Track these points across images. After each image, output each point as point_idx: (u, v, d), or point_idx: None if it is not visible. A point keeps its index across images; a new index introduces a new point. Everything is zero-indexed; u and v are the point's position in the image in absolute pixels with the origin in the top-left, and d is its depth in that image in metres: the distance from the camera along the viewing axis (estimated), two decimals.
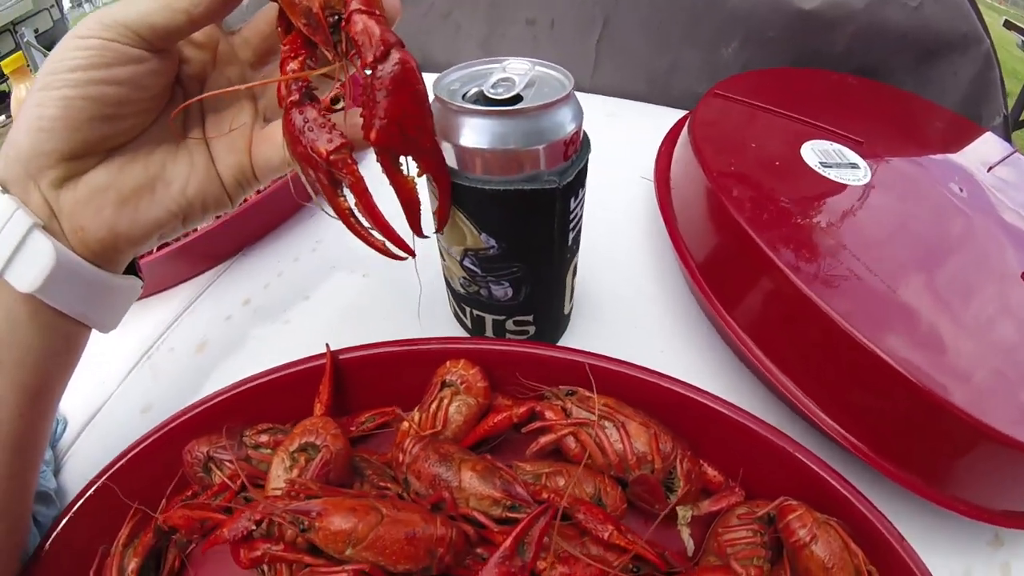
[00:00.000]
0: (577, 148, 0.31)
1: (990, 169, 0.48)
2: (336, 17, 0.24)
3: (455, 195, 0.31)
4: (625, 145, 0.58)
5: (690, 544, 0.30)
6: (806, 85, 0.59)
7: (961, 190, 0.44)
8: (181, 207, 0.30)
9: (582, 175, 0.32)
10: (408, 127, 0.24)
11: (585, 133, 0.32)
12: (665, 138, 0.53)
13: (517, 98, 0.29)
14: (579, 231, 0.36)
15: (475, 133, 0.28)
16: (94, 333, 0.55)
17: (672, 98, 0.71)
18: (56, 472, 0.44)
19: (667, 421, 0.33)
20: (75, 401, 0.48)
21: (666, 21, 0.69)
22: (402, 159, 0.26)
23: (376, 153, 0.25)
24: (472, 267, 0.34)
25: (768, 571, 0.29)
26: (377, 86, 0.23)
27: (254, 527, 0.28)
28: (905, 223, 0.41)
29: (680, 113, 0.59)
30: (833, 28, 0.63)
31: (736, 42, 0.67)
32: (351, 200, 0.27)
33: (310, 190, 0.27)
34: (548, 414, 0.33)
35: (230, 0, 0.27)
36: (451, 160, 0.30)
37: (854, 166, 0.44)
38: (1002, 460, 0.30)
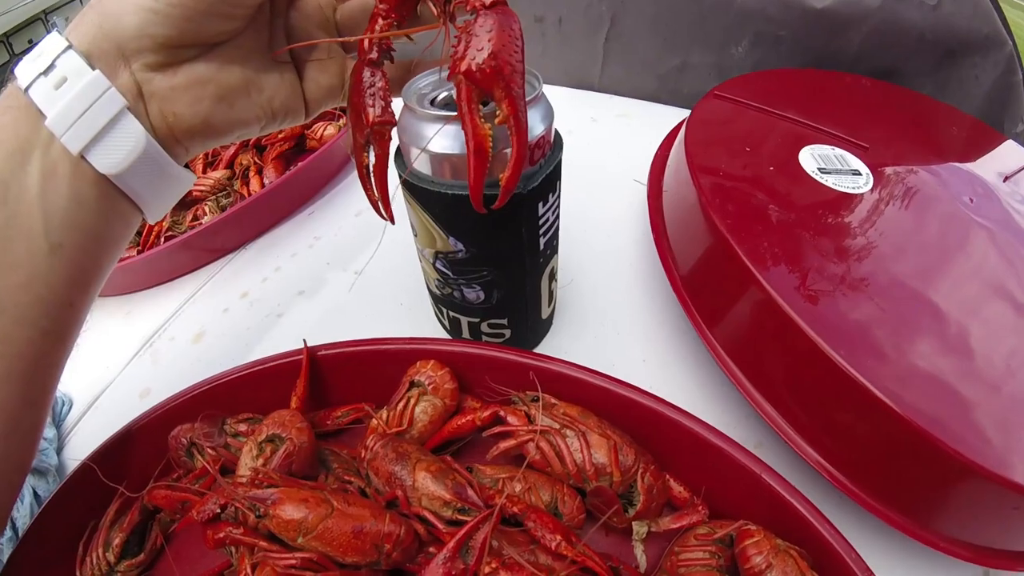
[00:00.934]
0: (545, 152, 0.31)
1: (1007, 179, 0.46)
2: None
3: (423, 198, 0.31)
4: (629, 146, 0.58)
5: (643, 560, 0.30)
6: (815, 87, 0.57)
7: (971, 201, 0.43)
8: (266, 114, 0.31)
9: (552, 178, 0.32)
10: (503, 64, 0.23)
11: (558, 133, 0.32)
12: (663, 141, 0.53)
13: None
14: (555, 235, 0.36)
15: (441, 138, 0.29)
16: (99, 322, 0.59)
17: (682, 98, 0.71)
18: (59, 450, 0.47)
19: (635, 434, 0.33)
20: (80, 383, 0.51)
21: (674, 20, 0.68)
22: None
23: (460, 90, 0.24)
24: (444, 270, 0.35)
25: None
26: (480, 23, 0.23)
27: (219, 511, 0.29)
28: (906, 236, 0.39)
29: (688, 114, 0.58)
30: (847, 27, 0.61)
31: (746, 41, 0.66)
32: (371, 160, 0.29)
33: (348, 135, 0.30)
34: (511, 419, 0.33)
35: None
36: (420, 165, 0.31)
37: (856, 173, 0.43)
38: (989, 498, 0.29)
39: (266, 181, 0.63)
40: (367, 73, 0.27)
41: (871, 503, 0.31)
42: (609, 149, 0.61)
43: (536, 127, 0.30)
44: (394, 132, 0.29)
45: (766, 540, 0.28)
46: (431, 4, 0.26)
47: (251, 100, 0.30)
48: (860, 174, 0.43)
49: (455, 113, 0.29)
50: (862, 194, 0.41)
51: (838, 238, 0.38)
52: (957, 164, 0.48)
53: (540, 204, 0.32)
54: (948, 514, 0.31)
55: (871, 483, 0.32)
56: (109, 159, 0.27)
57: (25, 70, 0.26)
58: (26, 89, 0.26)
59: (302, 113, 0.33)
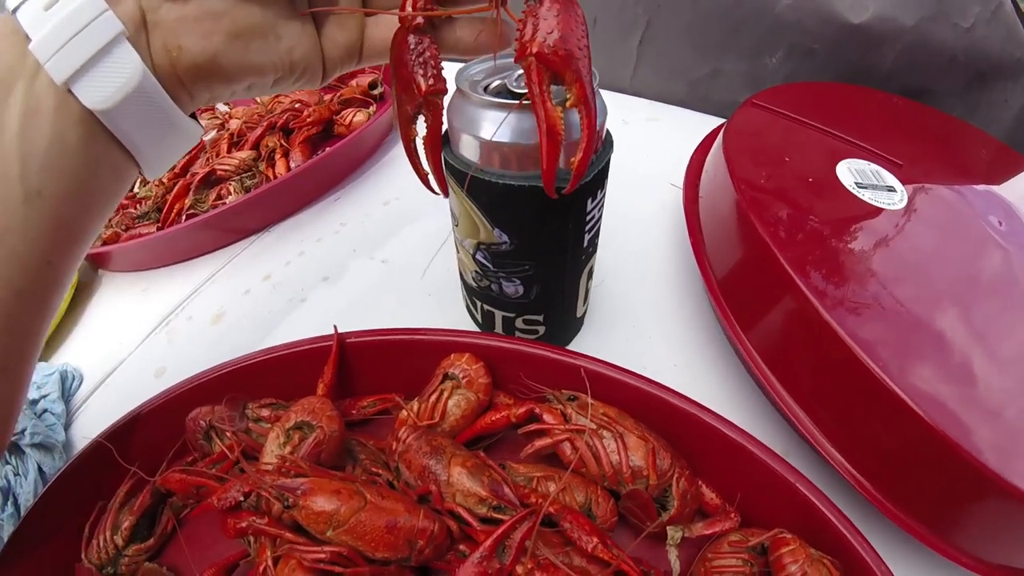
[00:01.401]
0: (598, 148, 0.31)
1: None
2: None
3: (472, 187, 0.31)
4: (660, 149, 0.58)
5: (676, 567, 0.29)
6: (849, 101, 0.57)
7: (1000, 224, 0.42)
8: (283, 65, 0.28)
9: (602, 175, 0.32)
10: (573, 47, 0.23)
11: (608, 132, 0.32)
12: (699, 146, 0.52)
13: None
14: (597, 233, 0.36)
15: (494, 126, 0.28)
16: (113, 297, 0.58)
17: (713, 105, 0.70)
18: (67, 426, 0.46)
19: (669, 436, 0.32)
20: (91, 359, 0.50)
21: (709, 26, 0.67)
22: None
23: (531, 73, 0.24)
24: (484, 262, 0.34)
25: None
26: (547, 6, 0.23)
27: (242, 498, 0.29)
28: (938, 254, 0.39)
29: (719, 121, 0.58)
30: (881, 44, 0.61)
31: (780, 52, 0.65)
32: (419, 132, 0.28)
33: (393, 107, 0.28)
34: (547, 417, 0.32)
35: None
36: (470, 153, 0.30)
37: (891, 189, 0.43)
38: (1015, 514, 0.29)
39: (292, 164, 0.62)
40: (413, 39, 0.26)
41: (899, 515, 0.31)
42: (640, 152, 0.61)
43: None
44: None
45: (801, 549, 0.28)
46: None
47: (268, 45, 0.27)
48: (895, 191, 0.43)
49: (512, 101, 0.28)
50: (897, 210, 0.41)
51: (874, 251, 0.38)
52: (986, 186, 0.47)
53: (589, 200, 0.31)
54: (975, 530, 0.31)
55: (900, 495, 0.31)
56: (98, 92, 0.24)
57: None
58: (14, 10, 0.23)
59: (319, 72, 0.30)
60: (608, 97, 0.74)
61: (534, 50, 0.23)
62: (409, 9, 0.25)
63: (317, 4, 0.29)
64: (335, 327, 0.37)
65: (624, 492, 0.31)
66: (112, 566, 0.34)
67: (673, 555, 0.30)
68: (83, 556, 0.34)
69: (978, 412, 0.30)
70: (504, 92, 0.30)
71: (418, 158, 0.29)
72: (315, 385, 0.37)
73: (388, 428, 0.36)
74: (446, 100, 0.27)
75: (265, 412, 0.37)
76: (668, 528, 0.30)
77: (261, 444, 0.35)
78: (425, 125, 0.27)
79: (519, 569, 0.26)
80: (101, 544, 0.34)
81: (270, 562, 0.29)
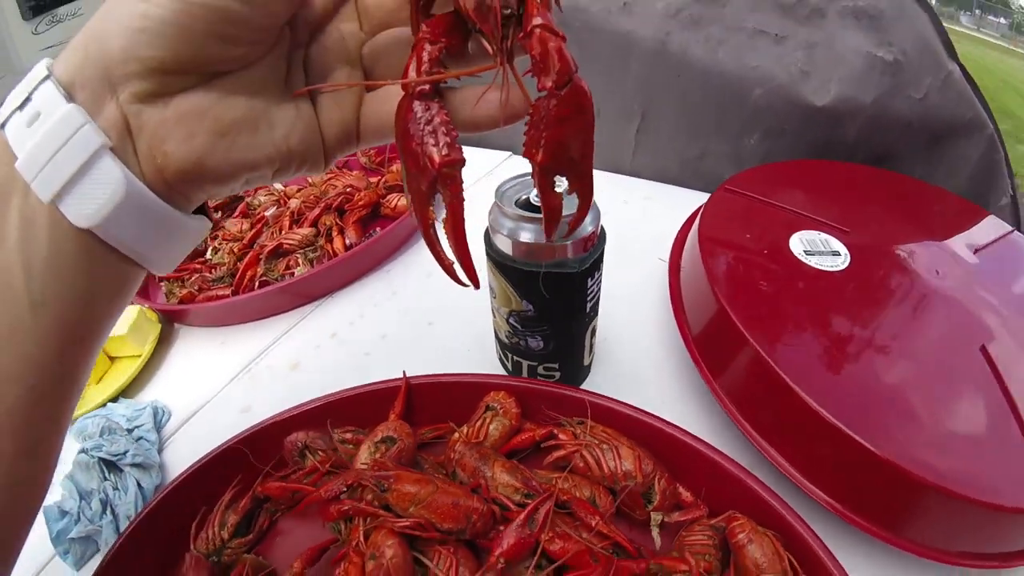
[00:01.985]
0: (594, 242, 0.46)
1: (977, 251, 0.58)
2: (508, 11, 0.25)
3: (506, 272, 0.46)
4: (653, 226, 0.73)
5: (658, 541, 0.43)
6: (812, 177, 0.71)
7: (938, 272, 0.54)
8: (280, 155, 0.28)
9: (598, 262, 0.47)
10: (575, 152, 0.26)
11: (602, 229, 0.47)
12: (682, 226, 0.67)
13: None
14: (597, 302, 0.50)
15: (521, 231, 0.44)
16: (194, 348, 0.73)
17: (703, 181, 0.85)
18: (160, 451, 0.60)
19: (653, 450, 0.46)
20: (179, 400, 0.65)
21: (696, 115, 0.83)
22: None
23: (536, 173, 0.26)
24: (515, 324, 0.49)
25: (716, 565, 0.41)
26: (554, 111, 0.24)
27: (344, 489, 0.43)
28: (873, 304, 0.53)
29: (706, 197, 0.72)
30: (844, 121, 0.74)
31: (758, 134, 0.80)
32: (440, 214, 0.27)
33: (404, 187, 0.28)
34: (562, 436, 0.46)
35: None
36: (504, 247, 0.46)
37: (836, 253, 0.56)
38: (951, 510, 0.40)
39: (347, 241, 0.78)
40: (419, 108, 0.25)
41: (848, 514, 0.43)
42: (638, 228, 0.76)
43: (588, 227, 0.45)
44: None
45: (749, 523, 0.41)
46: (484, 42, 0.26)
47: (258, 137, 0.27)
48: (839, 254, 0.56)
49: (536, 215, 0.44)
50: (839, 271, 0.55)
51: (814, 308, 0.52)
52: (932, 241, 0.60)
53: (589, 280, 0.46)
54: (920, 526, 0.42)
55: (849, 498, 0.43)
56: (83, 209, 0.24)
57: (8, 102, 0.25)
58: (2, 125, 0.25)
59: (321, 159, 0.30)
60: (611, 178, 0.91)
61: (538, 160, 0.25)
62: (413, 75, 0.25)
63: (312, 81, 0.29)
64: (404, 372, 0.52)
65: (618, 488, 0.44)
66: (217, 555, 0.45)
67: (655, 533, 0.43)
68: (192, 546, 0.45)
69: (903, 427, 0.42)
70: (528, 205, 0.46)
71: (439, 245, 0.28)
72: (385, 416, 0.51)
73: (442, 450, 0.50)
74: (467, 174, 0.26)
75: (348, 435, 0.51)
76: (652, 514, 0.43)
77: (345, 460, 0.49)
78: (444, 205, 0.26)
79: (543, 536, 0.40)
80: (209, 537, 0.46)
81: (362, 536, 0.42)
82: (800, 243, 0.58)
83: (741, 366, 0.50)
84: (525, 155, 0.26)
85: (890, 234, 0.62)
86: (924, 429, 0.43)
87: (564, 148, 0.25)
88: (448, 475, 0.46)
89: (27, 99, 0.24)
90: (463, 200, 0.26)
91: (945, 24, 0.72)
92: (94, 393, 0.68)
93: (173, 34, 0.23)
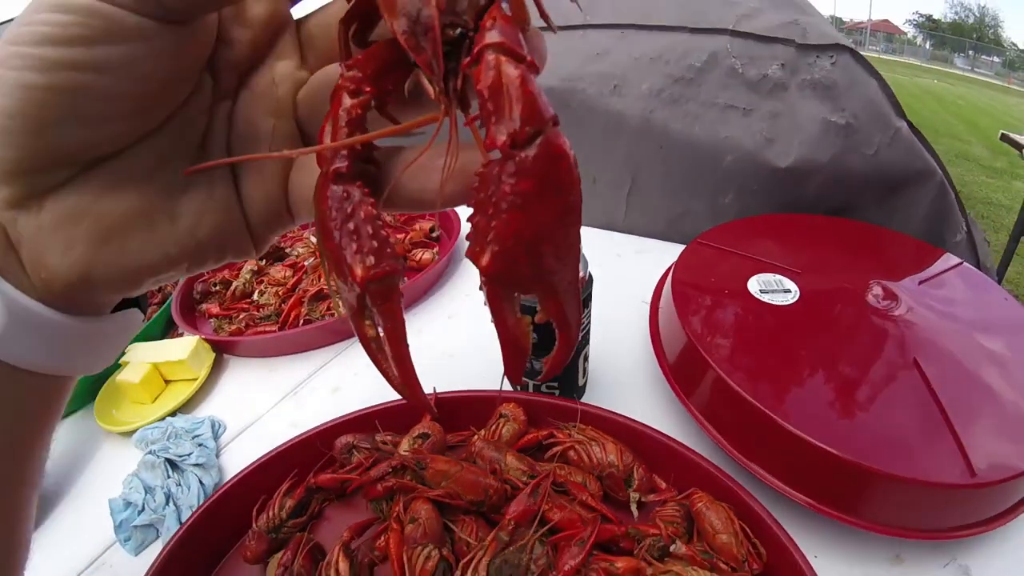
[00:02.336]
0: (584, 284, 0.60)
1: (922, 283, 0.71)
2: (459, 31, 0.19)
3: None
4: (641, 275, 0.88)
5: (636, 513, 0.55)
6: (775, 229, 0.85)
7: (880, 300, 0.67)
8: (187, 252, 0.24)
9: (587, 300, 0.61)
10: (543, 255, 0.18)
11: (590, 274, 0.62)
12: (663, 274, 0.82)
13: None
14: (588, 332, 0.64)
15: None
16: (244, 375, 0.87)
17: (685, 236, 0.95)
18: (217, 455, 0.73)
19: (632, 446, 0.59)
20: (232, 417, 0.78)
21: (677, 179, 0.99)
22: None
23: (484, 283, 0.19)
24: None
25: (682, 531, 0.52)
26: (509, 185, 0.17)
27: (390, 470, 0.56)
28: (818, 330, 0.66)
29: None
30: (805, 179, 0.88)
31: (732, 194, 0.96)
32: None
33: (333, 298, 0.21)
34: (559, 435, 0.60)
35: None
36: None
37: (787, 290, 0.70)
38: (891, 490, 0.51)
39: None
40: (336, 195, 0.20)
41: (793, 492, 0.54)
42: (627, 277, 0.90)
43: (578, 273, 0.59)
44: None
45: (706, 496, 0.53)
46: (425, 82, 0.19)
47: (156, 235, 0.23)
48: (790, 291, 0.70)
49: None
50: (788, 304, 0.69)
51: (765, 336, 0.66)
52: (880, 276, 0.71)
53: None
54: (863, 505, 0.52)
55: (795, 481, 0.55)
56: None
57: None
58: None
59: (248, 244, 0.26)
60: (605, 235, 1.06)
61: (483, 264, 0.18)
62: (327, 141, 0.20)
63: (235, 142, 0.25)
64: (434, 388, 0.66)
65: (604, 475, 0.57)
66: (275, 531, 0.57)
67: (634, 508, 0.56)
68: (255, 524, 0.57)
69: (847, 427, 0.54)
70: None
71: (386, 363, 0.22)
72: (412, 426, 0.64)
73: (465, 452, 0.63)
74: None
75: (388, 438, 0.64)
76: (631, 494, 0.56)
77: (386, 456, 0.62)
78: (381, 325, 0.21)
79: (545, 505, 0.53)
80: (269, 517, 0.57)
81: (402, 507, 0.55)
82: (757, 283, 0.72)
83: (707, 385, 0.63)
84: (467, 255, 0.19)
85: (839, 272, 0.75)
86: (858, 423, 0.55)
87: (527, 248, 0.18)
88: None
89: None
90: (402, 320, 0.21)
91: (939, 67, 0.89)
92: (151, 410, 0.83)
93: (21, 128, 0.20)
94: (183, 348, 0.86)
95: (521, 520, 0.52)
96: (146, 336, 0.95)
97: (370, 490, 0.57)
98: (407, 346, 0.22)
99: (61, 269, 0.22)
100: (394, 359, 0.22)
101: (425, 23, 0.18)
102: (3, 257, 0.22)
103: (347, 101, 0.20)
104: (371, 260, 0.19)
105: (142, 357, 0.87)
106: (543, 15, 0.21)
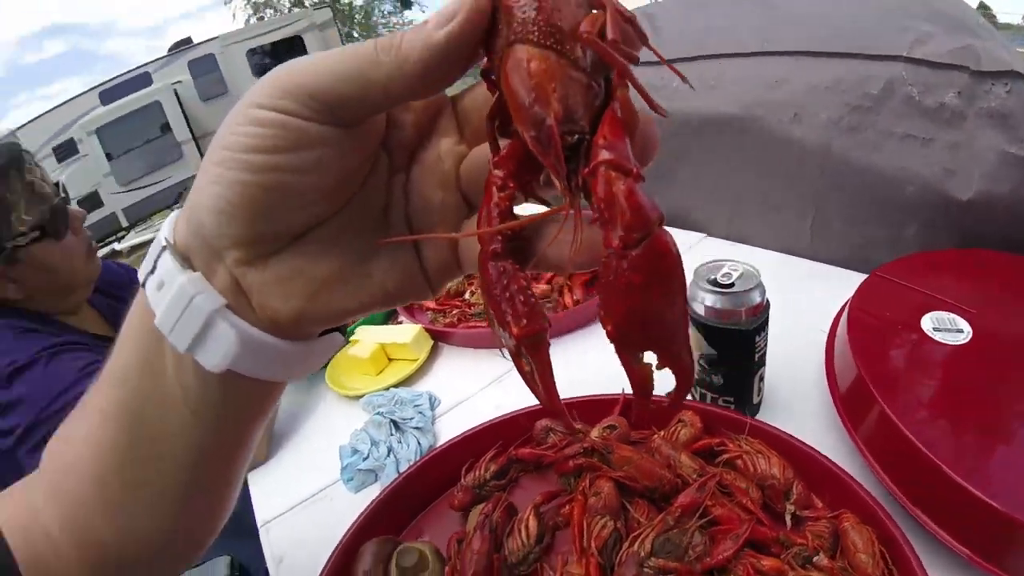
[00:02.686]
0: (762, 309, 0.69)
1: None
2: (576, 137, 0.24)
3: (696, 326, 0.71)
4: (819, 302, 0.92)
5: (789, 524, 0.64)
6: (954, 265, 0.85)
7: None
8: (376, 300, 0.31)
9: (764, 323, 0.70)
10: (657, 326, 0.23)
11: (768, 300, 0.70)
12: (843, 305, 0.86)
13: (732, 284, 0.69)
14: (764, 354, 0.73)
15: (711, 300, 0.69)
16: (453, 362, 1.09)
17: (867, 265, 0.95)
18: (432, 423, 0.92)
19: (795, 464, 0.67)
20: (446, 395, 0.98)
21: (860, 208, 1.00)
22: None
23: (611, 342, 0.24)
24: (703, 364, 0.74)
25: (827, 545, 0.59)
26: (623, 277, 0.22)
27: (581, 451, 0.70)
28: (989, 373, 0.66)
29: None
30: (986, 213, 0.86)
31: (915, 225, 0.95)
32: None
33: (498, 340, 0.27)
34: (729, 445, 0.70)
35: (437, 75, 0.25)
36: (698, 309, 0.71)
37: (959, 330, 0.71)
38: None
39: (575, 296, 1.09)
40: (493, 271, 0.25)
41: (941, 533, 0.59)
42: (806, 305, 0.94)
43: (756, 298, 0.69)
44: None
45: (854, 518, 0.60)
46: (555, 179, 0.24)
47: (352, 288, 0.30)
48: (962, 331, 0.71)
49: (719, 290, 0.69)
50: (960, 344, 0.70)
51: (934, 374, 0.69)
52: None
53: (756, 336, 0.70)
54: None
55: (945, 523, 0.59)
56: (209, 360, 0.28)
57: (144, 264, 0.30)
58: (143, 284, 0.30)
59: (426, 291, 0.32)
60: (787, 261, 1.11)
61: (609, 331, 0.23)
62: (484, 226, 0.25)
63: (412, 210, 0.31)
64: (622, 389, 0.79)
65: (766, 485, 0.66)
66: (479, 488, 0.71)
67: (788, 519, 0.64)
68: (463, 479, 0.72)
69: (990, 465, 0.59)
70: (715, 282, 0.70)
71: (537, 388, 0.28)
72: (600, 420, 0.78)
73: (645, 448, 0.75)
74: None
75: (579, 426, 0.78)
76: (787, 506, 0.65)
77: (576, 441, 0.76)
78: (535, 367, 0.26)
79: (708, 501, 0.63)
80: (476, 475, 0.71)
81: (587, 483, 0.68)
82: (931, 321, 0.74)
83: (872, 418, 0.69)
84: (599, 318, 0.24)
85: (1019, 316, 0.75)
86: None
87: (641, 321, 0.23)
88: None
89: (154, 266, 0.29)
90: (549, 362, 0.26)
91: None
92: (376, 381, 1.05)
93: (243, 215, 0.26)
94: (407, 333, 1.09)
95: (687, 509, 0.63)
96: (370, 321, 1.20)
97: (562, 466, 0.72)
98: (553, 377, 0.27)
99: (282, 314, 0.29)
100: (542, 386, 0.27)
101: (547, 133, 0.23)
102: (237, 300, 0.29)
103: (496, 195, 0.26)
104: (524, 322, 0.24)
105: (371, 337, 1.11)
106: (652, 106, 0.24)
